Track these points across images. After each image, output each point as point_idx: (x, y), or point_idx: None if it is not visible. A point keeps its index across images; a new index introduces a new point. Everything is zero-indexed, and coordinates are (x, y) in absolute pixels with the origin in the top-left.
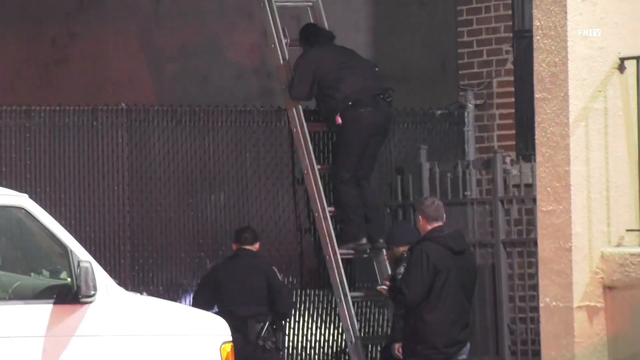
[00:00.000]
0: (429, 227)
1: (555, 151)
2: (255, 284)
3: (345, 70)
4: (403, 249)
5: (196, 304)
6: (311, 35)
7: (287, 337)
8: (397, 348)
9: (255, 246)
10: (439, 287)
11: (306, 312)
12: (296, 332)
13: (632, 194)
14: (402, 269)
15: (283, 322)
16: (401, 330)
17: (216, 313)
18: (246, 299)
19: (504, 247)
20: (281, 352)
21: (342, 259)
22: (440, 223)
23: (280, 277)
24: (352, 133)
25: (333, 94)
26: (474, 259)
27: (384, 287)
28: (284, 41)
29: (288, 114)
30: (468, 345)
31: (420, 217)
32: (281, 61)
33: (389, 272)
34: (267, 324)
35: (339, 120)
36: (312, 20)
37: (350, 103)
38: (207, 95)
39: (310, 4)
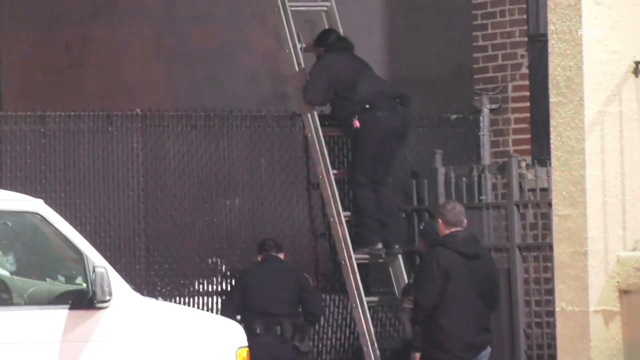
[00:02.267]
0: (447, 232)
1: (570, 155)
2: (287, 284)
3: (361, 75)
4: (423, 249)
5: (224, 309)
6: (335, 41)
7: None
8: (417, 357)
9: (280, 255)
10: (451, 292)
11: (322, 317)
12: (312, 337)
13: None
14: None
15: (313, 325)
16: (420, 337)
17: (246, 314)
18: (279, 298)
19: (519, 252)
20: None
21: (357, 264)
22: (458, 228)
23: (310, 282)
24: (369, 136)
25: (350, 97)
26: (491, 263)
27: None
28: (298, 46)
29: (303, 119)
30: (488, 349)
31: (440, 220)
32: (295, 66)
33: (405, 277)
34: (299, 325)
35: (357, 123)
36: (326, 25)
37: (367, 106)
38: (222, 100)
39: (325, 8)
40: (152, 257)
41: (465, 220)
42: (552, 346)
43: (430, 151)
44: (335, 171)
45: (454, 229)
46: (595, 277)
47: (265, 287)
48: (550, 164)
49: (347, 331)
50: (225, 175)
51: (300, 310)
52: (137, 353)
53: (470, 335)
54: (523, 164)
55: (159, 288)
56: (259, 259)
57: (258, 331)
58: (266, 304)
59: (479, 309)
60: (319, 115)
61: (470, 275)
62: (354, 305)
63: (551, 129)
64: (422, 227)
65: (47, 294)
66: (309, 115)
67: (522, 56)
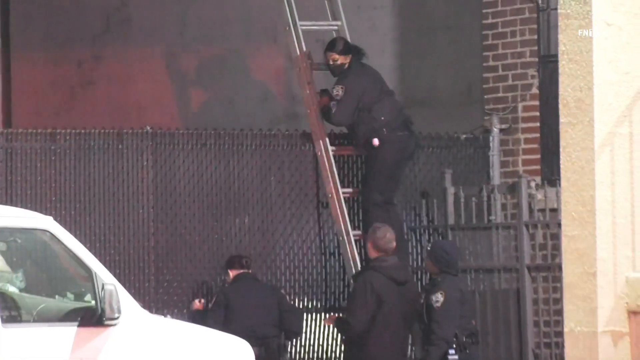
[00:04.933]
0: (375, 255)
1: (580, 176)
2: (269, 304)
3: (382, 94)
4: (433, 270)
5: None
6: (352, 51)
7: None
8: None
9: (251, 271)
10: (382, 317)
11: (330, 336)
12: (320, 356)
13: None
14: (439, 296)
15: (291, 340)
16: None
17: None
18: (265, 319)
19: (528, 272)
20: None
21: None
22: (388, 254)
23: (288, 299)
24: (389, 155)
25: (376, 117)
26: (416, 290)
27: (329, 320)
28: (309, 65)
29: (313, 138)
30: None
31: (369, 243)
32: (306, 85)
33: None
34: (282, 344)
35: (376, 142)
36: None
37: (389, 126)
38: (233, 118)
39: (336, 27)
40: (161, 274)
41: (395, 245)
42: None
43: (440, 171)
44: (349, 190)
45: (382, 254)
46: (604, 298)
47: (249, 308)
48: (559, 185)
49: None
50: (235, 194)
51: (279, 328)
52: None
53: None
54: (533, 184)
55: (167, 305)
56: (232, 275)
57: None
58: (252, 325)
59: (402, 334)
60: (329, 135)
61: (398, 301)
62: None
63: (561, 149)
64: (429, 248)
65: (56, 311)
66: (319, 134)
67: (533, 76)
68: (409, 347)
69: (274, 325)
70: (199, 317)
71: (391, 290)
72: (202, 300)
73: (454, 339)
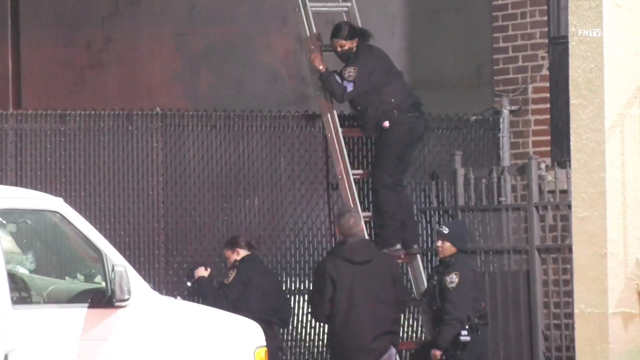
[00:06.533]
0: (341, 238)
1: (590, 157)
2: (274, 289)
3: (392, 76)
4: (451, 252)
5: (227, 299)
6: (358, 34)
7: (321, 342)
8: (438, 354)
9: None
10: (338, 299)
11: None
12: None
13: None
14: (454, 277)
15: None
16: (449, 340)
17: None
18: (276, 304)
19: (538, 253)
20: None
21: None
22: (352, 237)
23: None
24: (399, 137)
25: (386, 100)
26: (386, 265)
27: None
28: (318, 46)
29: (323, 119)
30: (392, 351)
31: (336, 227)
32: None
33: (423, 277)
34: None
35: (387, 124)
36: None
37: (400, 108)
38: (242, 100)
39: (346, 9)
40: (171, 256)
41: (363, 226)
42: (570, 348)
43: (449, 152)
44: (359, 171)
45: (345, 238)
46: (614, 279)
47: (263, 289)
48: (569, 166)
49: None
50: (245, 175)
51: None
52: (156, 352)
53: (363, 340)
54: (543, 166)
55: (177, 287)
56: (242, 255)
57: None
58: (267, 310)
59: (375, 314)
60: (339, 116)
61: (360, 281)
62: None
63: (571, 130)
64: (446, 231)
65: (66, 292)
66: (328, 115)
67: (543, 58)
68: (398, 326)
69: (275, 310)
70: (206, 285)
71: (347, 271)
72: (209, 269)
73: (467, 320)
